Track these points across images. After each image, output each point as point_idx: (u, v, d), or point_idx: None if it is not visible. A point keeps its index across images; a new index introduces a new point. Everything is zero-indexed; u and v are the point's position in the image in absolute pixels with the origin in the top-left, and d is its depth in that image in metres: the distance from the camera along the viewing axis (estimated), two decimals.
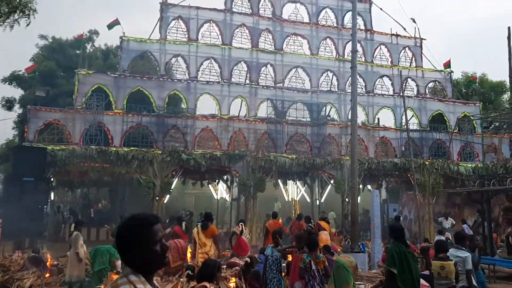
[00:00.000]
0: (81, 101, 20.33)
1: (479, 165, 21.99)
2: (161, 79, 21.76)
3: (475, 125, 24.96)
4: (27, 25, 12.00)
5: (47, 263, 13.01)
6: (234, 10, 23.84)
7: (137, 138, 20.30)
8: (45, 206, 18.89)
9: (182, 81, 22.33)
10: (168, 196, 20.65)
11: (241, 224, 14.42)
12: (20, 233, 15.86)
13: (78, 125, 19.90)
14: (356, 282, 10.22)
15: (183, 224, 14.26)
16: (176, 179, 21.04)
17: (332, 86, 25.12)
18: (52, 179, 20.50)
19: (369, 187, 24.22)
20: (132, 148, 19.41)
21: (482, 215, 16.00)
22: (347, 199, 20.16)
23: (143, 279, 2.27)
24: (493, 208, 17.14)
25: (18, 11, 11.56)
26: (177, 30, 22.82)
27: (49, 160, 17.93)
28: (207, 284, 5.42)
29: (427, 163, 22.02)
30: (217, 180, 24.46)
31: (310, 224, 15.04)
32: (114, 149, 19.10)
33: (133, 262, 2.27)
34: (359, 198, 19.38)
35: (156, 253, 2.30)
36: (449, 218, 21.04)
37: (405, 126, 22.53)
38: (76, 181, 22.66)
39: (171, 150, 19.56)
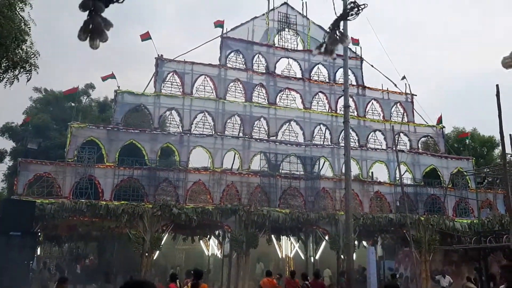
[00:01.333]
0: (73, 153, 20.17)
1: (474, 221, 21.73)
2: (154, 132, 21.76)
3: (469, 181, 24.92)
4: (28, 80, 11.85)
5: None
6: (228, 65, 24.28)
7: (128, 191, 20.00)
8: (31, 262, 18.21)
9: (175, 134, 22.34)
10: (157, 252, 20.06)
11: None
12: None
13: (68, 178, 19.63)
14: None
15: (177, 281, 13.73)
16: (167, 234, 20.53)
17: (325, 139, 25.22)
18: (39, 234, 19.93)
19: (364, 243, 23.74)
20: (123, 202, 19.05)
21: (480, 272, 15.59)
22: (342, 256, 19.66)
23: None
24: (491, 265, 16.73)
25: (18, 67, 11.44)
26: (171, 84, 23.09)
27: (37, 214, 17.45)
28: None
29: (422, 218, 21.74)
30: (208, 236, 23.91)
31: (306, 282, 14.52)
32: (104, 203, 18.73)
33: None
34: (354, 254, 18.91)
35: None
36: (446, 276, 20.49)
37: (399, 181, 22.42)
38: (64, 235, 22.07)
39: (162, 204, 19.20)
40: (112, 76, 22.63)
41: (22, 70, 11.44)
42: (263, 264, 25.56)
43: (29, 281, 16.27)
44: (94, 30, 2.55)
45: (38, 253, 22.12)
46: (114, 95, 22.40)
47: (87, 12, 2.56)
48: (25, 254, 16.36)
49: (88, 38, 2.57)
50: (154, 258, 19.94)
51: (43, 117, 26.94)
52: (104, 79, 22.59)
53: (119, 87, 22.15)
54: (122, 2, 2.69)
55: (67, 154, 20.27)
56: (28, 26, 11.01)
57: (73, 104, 27.02)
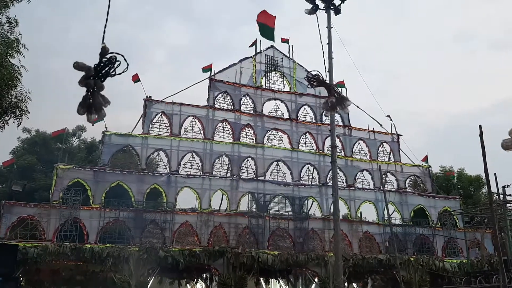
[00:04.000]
0: (58, 195, 19.89)
1: (464, 261, 21.63)
2: (141, 173, 21.62)
3: (457, 220, 24.98)
4: (18, 125, 11.77)
5: None
6: (216, 106, 24.50)
7: (114, 234, 19.63)
8: None
9: (163, 175, 22.20)
10: None
11: None
12: None
13: (53, 220, 19.26)
14: None
15: None
16: (153, 278, 20.05)
17: (313, 179, 25.25)
18: (21, 278, 19.34)
19: (354, 285, 23.40)
20: (108, 244, 18.66)
21: None
22: None
23: None
24: None
25: (8, 112, 11.37)
26: (159, 125, 23.15)
27: (19, 258, 16.99)
28: None
29: (412, 259, 21.60)
30: (195, 279, 23.41)
31: None
32: (89, 246, 18.34)
33: None
34: None
35: None
36: None
37: (388, 221, 22.37)
38: (46, 280, 21.40)
39: (148, 247, 18.84)
40: (101, 119, 22.63)
41: (12, 115, 11.40)
42: None
43: None
44: (93, 106, 2.61)
45: None
46: (101, 136, 22.36)
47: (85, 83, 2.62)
48: None
49: (85, 113, 2.62)
50: None
51: (29, 158, 26.69)
52: (93, 122, 22.56)
53: (106, 128, 22.17)
54: (119, 74, 2.77)
55: (52, 196, 19.98)
56: (19, 72, 11.07)
57: (60, 146, 26.90)
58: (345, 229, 22.73)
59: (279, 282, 24.85)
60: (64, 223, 19.14)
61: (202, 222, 21.42)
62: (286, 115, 26.08)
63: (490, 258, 21.24)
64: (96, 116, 2.67)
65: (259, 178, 23.83)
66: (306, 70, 26.14)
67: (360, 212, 25.36)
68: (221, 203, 24.52)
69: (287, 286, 25.19)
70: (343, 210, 23.52)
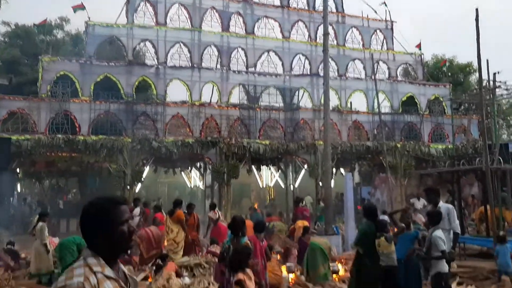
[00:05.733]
0: (46, 89, 19.60)
1: (449, 146, 22.29)
2: (129, 65, 21.16)
3: (445, 107, 25.30)
4: None
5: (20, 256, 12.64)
6: None
7: (106, 126, 19.73)
8: (11, 198, 18.25)
9: (151, 66, 21.77)
10: (139, 185, 20.25)
11: (217, 211, 14.20)
12: None
13: (43, 113, 19.19)
14: (330, 263, 10.21)
15: (163, 211, 14.03)
16: (148, 167, 20.61)
17: (304, 70, 24.99)
18: (17, 170, 19.82)
19: (342, 170, 24.30)
20: (101, 136, 18.83)
21: (452, 195, 16.17)
22: (321, 183, 20.15)
23: (103, 262, 2.14)
24: (463, 188, 17.38)
25: None
26: (144, 14, 22.17)
27: (13, 151, 17.20)
28: (242, 276, 5.24)
29: (399, 145, 22.20)
30: (190, 168, 24.14)
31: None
32: (82, 137, 18.51)
33: (97, 243, 2.18)
34: (332, 182, 19.43)
35: (123, 234, 2.21)
36: (421, 198, 21.27)
37: (377, 109, 22.62)
38: (43, 171, 21.98)
39: (141, 138, 19.08)
40: (83, 7, 21.56)
41: None
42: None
43: (10, 216, 16.36)
44: None
45: (19, 190, 22.10)
46: (85, 26, 21.50)
47: None
48: (4, 190, 16.37)
49: None
50: (137, 191, 20.14)
51: (13, 51, 25.85)
52: (74, 8, 21.54)
53: (89, 18, 21.23)
54: None
55: (40, 89, 19.71)
56: None
57: (44, 38, 25.96)
58: (335, 119, 23.00)
59: (270, 169, 25.70)
60: (55, 116, 19.11)
61: (193, 114, 21.49)
62: (277, 2, 24.98)
63: (474, 143, 21.89)
64: None
65: (249, 69, 23.49)
66: None
67: (351, 102, 25.52)
68: (211, 95, 24.45)
69: (278, 173, 26.14)
70: (333, 101, 23.57)
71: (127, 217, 2.27)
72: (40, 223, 10.96)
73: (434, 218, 7.09)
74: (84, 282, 2.03)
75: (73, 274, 2.07)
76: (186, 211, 12.68)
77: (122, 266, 2.31)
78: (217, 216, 13.60)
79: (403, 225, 7.41)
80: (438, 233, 6.86)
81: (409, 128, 24.61)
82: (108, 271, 2.15)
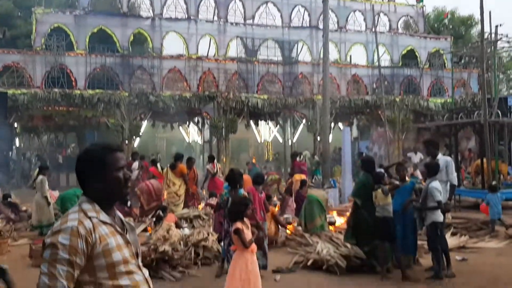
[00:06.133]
0: (40, 42, 19.28)
1: (448, 100, 22.21)
2: (124, 17, 20.66)
3: (446, 61, 25.02)
4: None
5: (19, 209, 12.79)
6: None
7: (102, 80, 19.53)
8: (10, 153, 18.30)
9: (147, 18, 21.27)
10: (138, 139, 20.28)
11: (216, 163, 14.30)
12: None
13: (38, 67, 18.94)
14: (327, 215, 10.38)
15: (158, 165, 14.10)
16: (145, 122, 20.57)
17: (304, 22, 24.47)
18: (15, 125, 19.77)
19: (340, 125, 24.29)
20: (97, 90, 18.66)
21: (450, 149, 16.26)
22: (319, 138, 20.20)
23: (98, 208, 2.13)
24: (460, 142, 17.45)
25: None
26: None
27: (10, 105, 17.10)
28: (240, 225, 5.37)
29: (397, 99, 22.09)
30: (187, 123, 24.09)
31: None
32: (79, 92, 18.35)
33: (92, 190, 2.17)
34: (330, 136, 19.48)
35: (118, 180, 2.19)
36: (418, 153, 21.42)
37: (377, 63, 22.36)
38: (41, 126, 21.90)
39: (138, 92, 18.93)
40: None
41: None
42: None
43: (9, 171, 16.45)
44: None
45: (17, 144, 22.11)
46: None
47: None
48: (3, 145, 16.38)
49: None
50: (135, 145, 20.17)
51: (6, 4, 25.21)
52: None
53: None
54: None
55: (34, 42, 19.36)
56: None
57: None
58: (334, 73, 22.76)
59: (268, 124, 25.64)
60: (50, 70, 18.87)
61: (190, 67, 21.22)
62: None
63: (473, 97, 21.79)
64: None
65: (247, 21, 22.99)
66: None
67: (350, 56, 25.18)
68: (209, 49, 24.03)
69: (276, 128, 26.12)
70: (333, 54, 23.25)
71: (123, 164, 2.24)
72: (40, 177, 11.04)
73: (432, 170, 7.14)
74: (79, 226, 2.03)
75: (67, 219, 2.07)
76: (186, 165, 12.76)
77: (118, 212, 2.30)
78: (216, 169, 13.69)
79: (397, 182, 7.44)
80: (435, 184, 6.92)
81: (408, 82, 24.42)
82: (104, 217, 2.15)
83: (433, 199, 6.80)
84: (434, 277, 6.83)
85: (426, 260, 7.91)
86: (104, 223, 2.13)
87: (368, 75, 23.94)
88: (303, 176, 13.49)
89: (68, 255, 1.98)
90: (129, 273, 2.14)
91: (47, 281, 1.97)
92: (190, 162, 12.99)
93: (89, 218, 2.08)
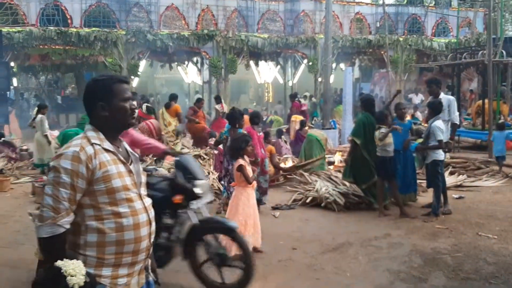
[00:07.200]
0: None
1: (452, 40, 21.73)
2: None
3: None
4: None
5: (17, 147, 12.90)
6: None
7: (98, 18, 18.97)
8: (8, 92, 18.13)
9: None
10: (137, 80, 20.05)
11: (224, 104, 14.36)
12: None
13: (32, 4, 18.29)
14: (326, 155, 10.46)
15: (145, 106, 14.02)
16: (144, 61, 20.23)
17: None
18: (12, 64, 19.45)
19: (342, 66, 23.93)
20: (94, 28, 18.18)
21: (452, 89, 16.12)
22: (320, 79, 19.95)
23: (102, 137, 2.20)
24: (462, 83, 17.26)
25: None
26: None
27: (5, 43, 16.72)
28: (243, 162, 5.45)
29: (401, 39, 21.61)
30: (186, 63, 23.72)
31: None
32: (75, 30, 17.88)
33: (98, 118, 2.22)
34: (332, 77, 19.24)
35: (125, 110, 2.25)
36: (419, 94, 21.29)
37: (381, 1, 21.67)
38: (38, 65, 21.59)
39: (135, 31, 18.46)
40: None
41: None
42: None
43: (7, 110, 16.38)
44: None
45: (15, 84, 21.86)
46: None
47: None
48: (0, 84, 16.22)
49: None
50: (134, 86, 19.95)
51: None
52: None
53: None
54: None
55: None
56: None
57: None
58: (337, 11, 22.04)
59: (268, 64, 25.25)
60: (44, 7, 18.28)
61: (188, 5, 20.52)
62: None
63: (478, 37, 21.32)
64: None
65: None
66: None
67: None
68: None
69: (277, 68, 25.77)
70: None
71: (129, 95, 2.30)
72: (40, 115, 11.05)
73: (435, 108, 7.10)
74: (80, 152, 2.09)
75: (71, 145, 2.15)
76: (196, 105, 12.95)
77: (125, 143, 2.36)
78: (224, 109, 13.72)
79: (397, 126, 7.37)
80: (438, 123, 6.90)
81: (412, 21, 23.76)
82: (107, 145, 2.20)
83: (434, 138, 6.81)
84: (431, 213, 6.98)
85: (423, 198, 8.06)
86: (107, 151, 2.18)
87: (372, 13, 23.23)
88: (302, 117, 13.50)
89: (70, 179, 2.06)
90: (129, 200, 2.19)
91: (51, 202, 2.06)
92: (199, 102, 13.11)
93: (92, 144, 2.14)
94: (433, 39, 22.57)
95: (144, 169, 4.27)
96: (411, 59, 21.45)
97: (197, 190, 4.40)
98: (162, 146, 5.28)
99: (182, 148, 11.86)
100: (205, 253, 4.53)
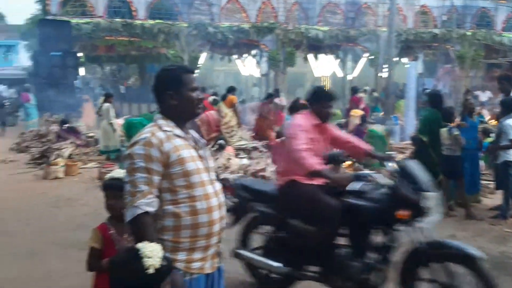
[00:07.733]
0: None
1: None
2: None
3: None
4: None
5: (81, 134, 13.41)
6: None
7: (162, 10, 19.47)
8: (76, 81, 18.99)
9: None
10: (196, 71, 20.41)
11: (283, 98, 14.31)
12: (54, 108, 16.16)
13: None
14: (387, 152, 10.17)
15: (212, 98, 14.26)
16: (204, 54, 20.56)
17: None
18: (80, 54, 20.35)
19: (404, 60, 23.18)
20: (158, 21, 18.70)
21: None
22: (382, 74, 19.43)
23: (173, 124, 2.29)
24: None
25: None
26: None
27: (74, 34, 17.54)
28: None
29: (469, 33, 20.61)
30: (245, 55, 23.87)
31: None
32: (140, 22, 18.47)
33: (167, 107, 2.32)
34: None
35: (192, 99, 2.33)
36: (486, 91, 20.26)
37: None
38: (103, 56, 22.45)
39: (197, 23, 18.80)
40: None
41: None
42: None
43: (76, 97, 17.15)
44: None
45: (83, 73, 22.84)
46: None
47: None
48: (69, 73, 17.03)
49: None
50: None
51: None
52: None
53: None
54: None
55: None
56: None
57: None
58: (401, 3, 21.31)
59: (328, 57, 24.83)
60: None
61: None
62: None
63: None
64: None
65: None
66: None
67: None
68: None
69: (337, 62, 25.32)
70: None
71: (196, 86, 2.37)
72: (106, 104, 11.48)
73: (507, 106, 6.70)
74: (151, 137, 2.18)
75: (142, 133, 2.25)
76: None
77: (192, 131, 2.44)
78: (283, 102, 13.67)
79: (464, 123, 6.99)
80: (510, 121, 6.52)
81: (481, 14, 22.58)
82: (178, 131, 2.29)
83: (506, 137, 6.44)
84: (499, 216, 6.64)
85: (490, 200, 7.67)
86: (178, 136, 2.27)
87: (438, 6, 22.28)
88: (361, 112, 13.17)
89: (144, 163, 2.14)
90: (202, 184, 2.27)
91: (130, 188, 2.16)
92: (271, 96, 13.10)
93: (163, 131, 2.23)
94: (503, 34, 21.39)
95: (357, 175, 3.91)
96: (479, 54, 20.42)
97: (426, 204, 3.43)
98: (364, 146, 4.33)
99: (239, 140, 11.96)
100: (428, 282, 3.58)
